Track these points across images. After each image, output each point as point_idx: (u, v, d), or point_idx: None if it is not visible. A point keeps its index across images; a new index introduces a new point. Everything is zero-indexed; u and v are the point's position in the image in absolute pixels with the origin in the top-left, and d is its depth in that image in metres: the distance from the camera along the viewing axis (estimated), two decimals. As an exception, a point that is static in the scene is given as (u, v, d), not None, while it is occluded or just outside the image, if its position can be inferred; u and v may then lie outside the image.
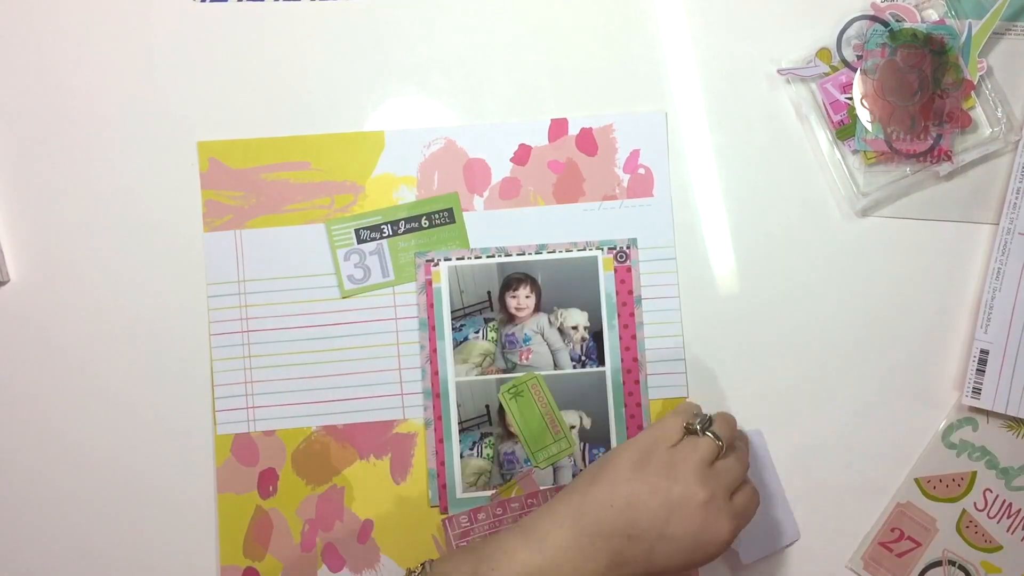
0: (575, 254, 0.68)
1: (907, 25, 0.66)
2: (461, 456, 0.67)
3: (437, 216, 0.68)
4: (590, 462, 0.67)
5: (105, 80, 0.68)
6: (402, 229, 0.68)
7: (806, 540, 0.68)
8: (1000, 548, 0.67)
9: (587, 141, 0.69)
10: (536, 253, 0.68)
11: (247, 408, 0.67)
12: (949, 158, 0.66)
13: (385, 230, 0.68)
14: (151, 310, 0.68)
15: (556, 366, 0.68)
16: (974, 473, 0.67)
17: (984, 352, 0.66)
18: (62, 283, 0.68)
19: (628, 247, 0.68)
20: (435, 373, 0.68)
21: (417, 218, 0.68)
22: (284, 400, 0.67)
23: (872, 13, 0.67)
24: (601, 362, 0.68)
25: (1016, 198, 0.66)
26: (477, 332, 0.68)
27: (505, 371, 0.68)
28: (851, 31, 0.67)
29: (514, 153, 0.68)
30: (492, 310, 0.68)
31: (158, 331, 0.67)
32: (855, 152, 0.67)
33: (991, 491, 0.67)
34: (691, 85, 0.69)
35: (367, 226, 0.68)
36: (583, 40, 0.69)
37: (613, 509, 0.55)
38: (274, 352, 0.68)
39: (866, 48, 0.67)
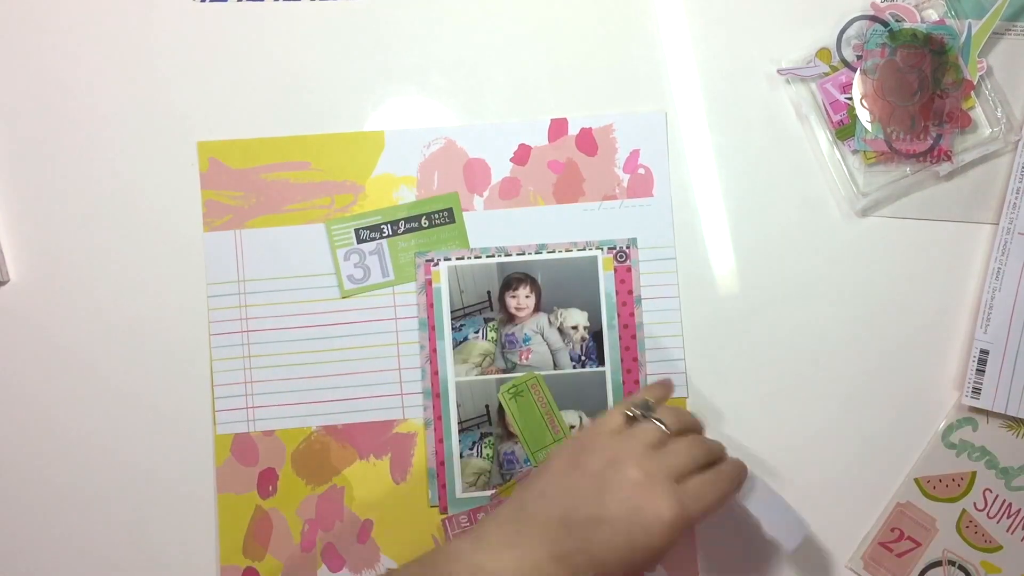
0: (575, 254, 0.68)
1: (907, 25, 0.66)
2: (461, 456, 0.67)
3: (437, 216, 0.68)
4: (590, 462, 0.67)
5: (105, 80, 0.68)
6: (402, 229, 0.68)
7: (806, 540, 0.67)
8: (1000, 548, 0.67)
9: (587, 141, 0.69)
10: (536, 253, 0.68)
11: (247, 408, 0.67)
12: (949, 158, 0.66)
13: (385, 230, 0.68)
14: (151, 310, 0.68)
15: (556, 366, 0.68)
16: (974, 473, 0.67)
17: (984, 352, 0.66)
18: (62, 283, 0.68)
19: (628, 247, 0.68)
20: (435, 373, 0.68)
21: (417, 218, 0.68)
22: (284, 400, 0.67)
23: (872, 13, 0.67)
24: (601, 362, 0.68)
25: (1016, 198, 0.66)
26: (477, 332, 0.68)
27: (505, 371, 0.68)
28: (851, 31, 0.67)
29: (514, 153, 0.68)
30: (492, 310, 0.68)
31: (158, 331, 0.67)
32: (855, 152, 0.67)
33: (991, 491, 0.67)
34: (691, 85, 0.69)
35: (367, 226, 0.68)
36: (583, 40, 0.69)
37: (548, 498, 0.55)
38: (274, 352, 0.68)
39: (866, 48, 0.67)
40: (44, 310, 0.67)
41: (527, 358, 0.68)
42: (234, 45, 0.69)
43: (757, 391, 0.68)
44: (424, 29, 0.69)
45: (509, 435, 0.68)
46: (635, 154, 0.68)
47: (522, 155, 0.68)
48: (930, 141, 0.66)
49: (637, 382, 0.67)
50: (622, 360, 0.68)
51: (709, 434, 0.67)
